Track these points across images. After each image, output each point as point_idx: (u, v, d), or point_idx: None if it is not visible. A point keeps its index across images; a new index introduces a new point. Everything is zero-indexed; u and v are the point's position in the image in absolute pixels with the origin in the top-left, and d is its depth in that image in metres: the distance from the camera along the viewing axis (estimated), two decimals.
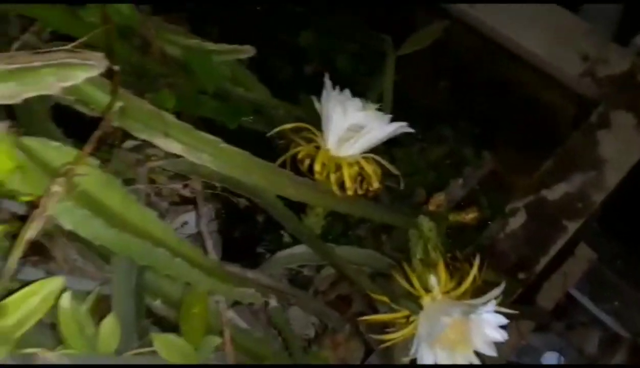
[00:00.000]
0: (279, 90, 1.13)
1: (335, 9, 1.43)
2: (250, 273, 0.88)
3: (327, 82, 0.88)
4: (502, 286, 0.75)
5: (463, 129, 1.25)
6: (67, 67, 0.58)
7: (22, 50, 0.83)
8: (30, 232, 0.56)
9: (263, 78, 1.12)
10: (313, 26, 1.43)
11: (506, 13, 1.36)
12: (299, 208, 0.92)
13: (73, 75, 0.58)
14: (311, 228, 0.92)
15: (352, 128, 0.84)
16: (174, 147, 0.72)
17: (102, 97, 0.67)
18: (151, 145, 0.72)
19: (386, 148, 0.97)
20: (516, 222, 1.21)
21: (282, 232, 1.03)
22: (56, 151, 0.62)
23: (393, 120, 0.87)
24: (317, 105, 0.91)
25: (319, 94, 0.88)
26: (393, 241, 1.10)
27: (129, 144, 0.83)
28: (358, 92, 1.12)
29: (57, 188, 0.58)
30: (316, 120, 0.92)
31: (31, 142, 0.61)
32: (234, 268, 0.86)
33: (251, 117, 1.04)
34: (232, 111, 1.03)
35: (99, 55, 0.59)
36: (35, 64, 0.57)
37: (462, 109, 1.30)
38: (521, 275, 1.17)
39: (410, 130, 0.87)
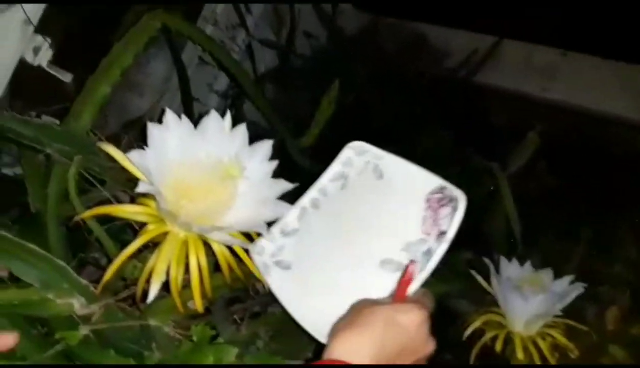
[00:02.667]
0: None
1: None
2: None
3: (491, 267, 0.98)
4: None
5: (602, 228, 1.26)
6: None
7: None
8: None
9: None
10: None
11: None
12: None
13: None
14: None
15: (535, 313, 0.92)
16: None
17: None
18: None
19: None
20: None
21: None
22: None
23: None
24: (478, 278, 1.01)
25: None
26: None
27: None
28: (477, 216, 1.21)
29: None
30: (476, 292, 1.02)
31: None
32: None
33: None
34: None
35: None
36: None
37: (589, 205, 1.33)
38: None
39: (582, 287, 0.95)
